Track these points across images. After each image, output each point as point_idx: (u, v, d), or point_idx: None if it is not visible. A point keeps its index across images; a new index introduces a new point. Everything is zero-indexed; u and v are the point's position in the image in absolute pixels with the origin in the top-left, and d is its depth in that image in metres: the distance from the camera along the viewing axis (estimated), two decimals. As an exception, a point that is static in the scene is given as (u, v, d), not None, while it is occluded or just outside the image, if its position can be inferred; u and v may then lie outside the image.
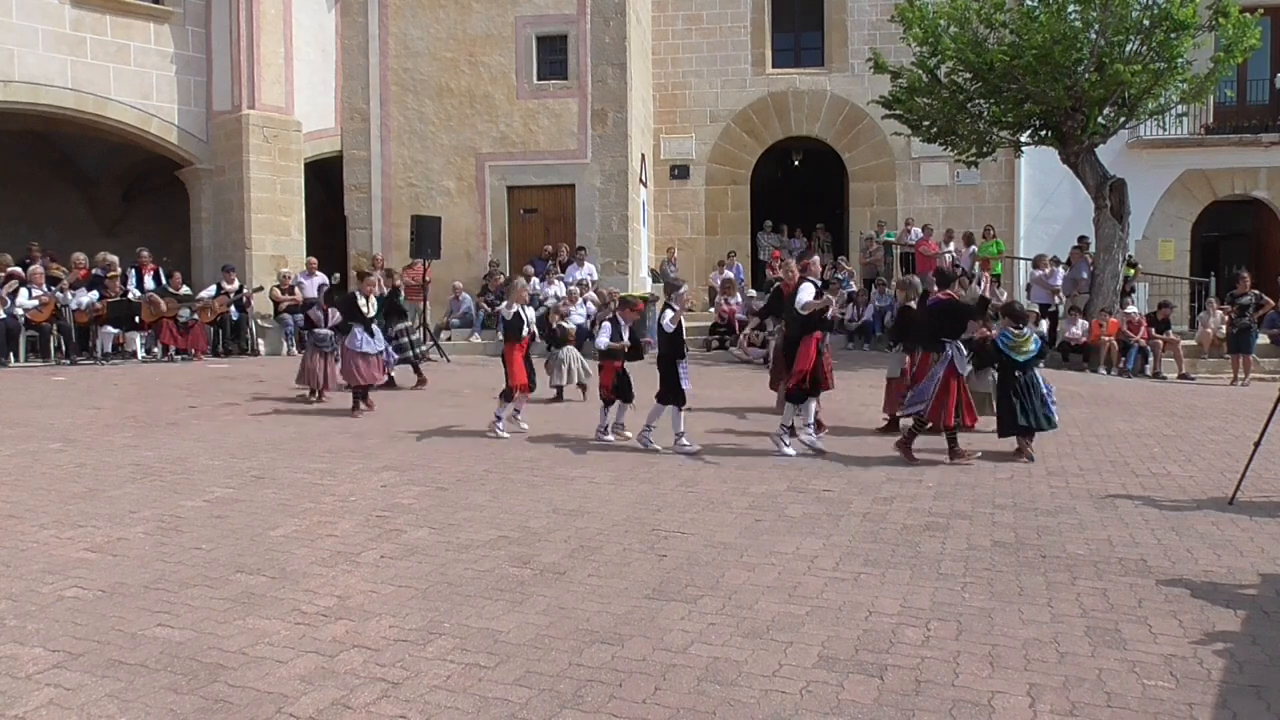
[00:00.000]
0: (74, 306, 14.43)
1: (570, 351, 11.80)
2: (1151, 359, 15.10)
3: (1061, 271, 17.01)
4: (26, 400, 10.77)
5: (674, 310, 8.48)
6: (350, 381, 10.39)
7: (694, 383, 8.67)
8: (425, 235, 16.19)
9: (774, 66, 21.47)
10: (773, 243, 21.02)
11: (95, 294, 14.65)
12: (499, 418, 8.98)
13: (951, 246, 18.35)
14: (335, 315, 10.90)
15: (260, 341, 16.43)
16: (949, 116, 16.08)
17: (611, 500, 6.55)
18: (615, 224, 18.60)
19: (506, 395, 9.07)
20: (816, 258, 9.08)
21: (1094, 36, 14.85)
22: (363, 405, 10.39)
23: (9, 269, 14.35)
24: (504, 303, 9.94)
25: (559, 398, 11.55)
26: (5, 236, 17.88)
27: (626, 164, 18.48)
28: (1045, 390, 8.22)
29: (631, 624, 4.27)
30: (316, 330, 11.03)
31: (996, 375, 8.54)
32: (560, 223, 18.86)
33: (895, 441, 8.14)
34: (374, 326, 10.62)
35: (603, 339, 8.81)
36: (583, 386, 11.64)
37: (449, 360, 15.45)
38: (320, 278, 17.02)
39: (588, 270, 17.59)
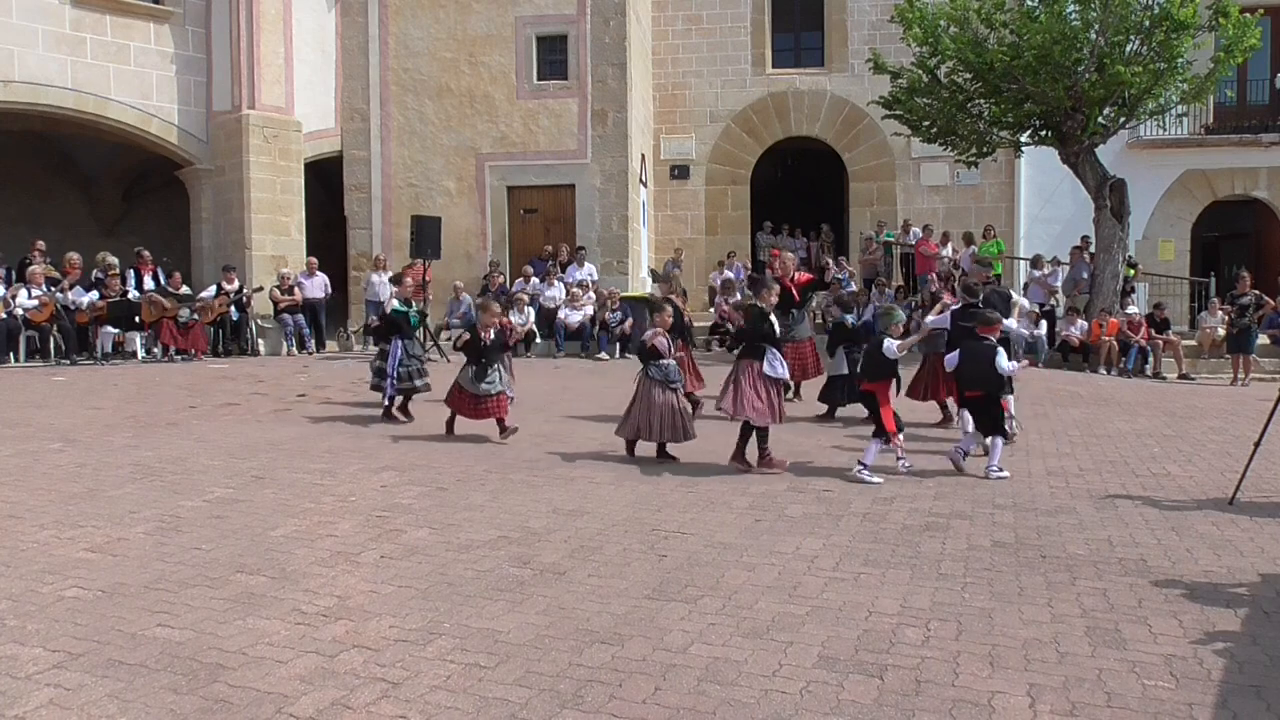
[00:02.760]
0: (75, 306, 14.44)
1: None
2: (1151, 359, 15.10)
3: (1061, 272, 17.03)
4: (26, 400, 10.76)
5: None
6: (765, 421, 7.55)
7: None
8: (425, 235, 16.20)
9: (774, 67, 21.49)
10: (771, 243, 21.03)
11: (95, 294, 14.65)
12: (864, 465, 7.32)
13: (950, 248, 18.34)
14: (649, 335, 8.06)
15: (260, 342, 16.43)
16: (949, 116, 16.08)
17: (611, 500, 6.55)
18: (615, 224, 18.61)
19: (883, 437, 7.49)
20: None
21: (1094, 36, 14.85)
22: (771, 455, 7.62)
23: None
24: (888, 340, 7.73)
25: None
26: (5, 236, 17.87)
27: (626, 164, 18.49)
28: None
29: (631, 624, 4.27)
30: (663, 361, 7.92)
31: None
32: (560, 223, 18.88)
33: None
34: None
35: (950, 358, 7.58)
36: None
37: (449, 361, 15.43)
38: (321, 278, 17.05)
39: (588, 270, 17.59)
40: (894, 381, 7.84)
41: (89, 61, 16.15)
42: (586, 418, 9.98)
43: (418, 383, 9.75)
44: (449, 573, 4.98)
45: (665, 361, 7.88)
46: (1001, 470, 7.37)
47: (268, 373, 13.58)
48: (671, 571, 5.01)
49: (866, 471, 7.18)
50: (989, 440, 7.55)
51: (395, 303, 9.97)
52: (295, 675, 3.73)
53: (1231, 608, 4.50)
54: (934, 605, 4.52)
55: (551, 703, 3.50)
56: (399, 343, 9.70)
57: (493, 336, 8.85)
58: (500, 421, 8.69)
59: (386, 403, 9.74)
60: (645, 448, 7.98)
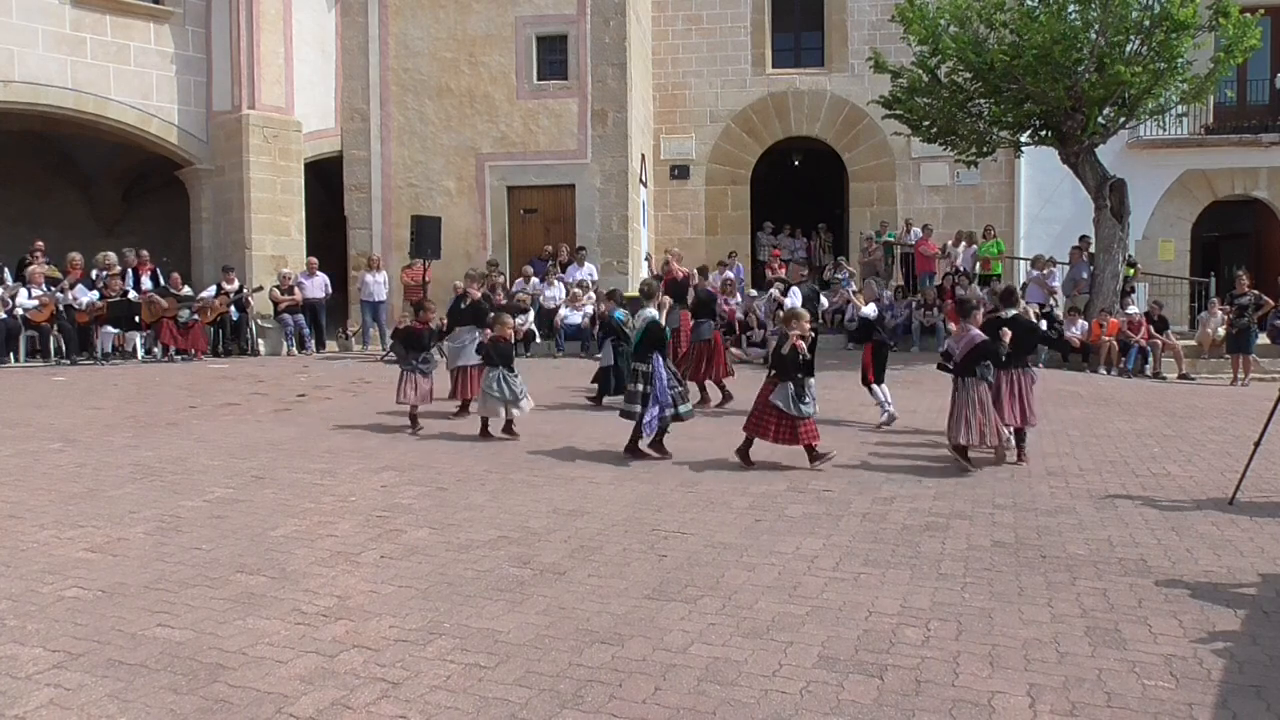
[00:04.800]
0: (75, 306, 14.44)
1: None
2: (1151, 359, 15.09)
3: (1060, 271, 17.02)
4: (26, 400, 10.76)
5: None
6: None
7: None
8: (425, 235, 16.20)
9: (774, 66, 21.48)
10: (772, 243, 21.05)
11: (95, 294, 14.66)
12: None
13: (960, 247, 18.31)
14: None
15: (260, 342, 16.44)
16: (949, 116, 16.07)
17: (611, 500, 6.55)
18: (615, 224, 18.62)
19: None
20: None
21: (1094, 36, 14.84)
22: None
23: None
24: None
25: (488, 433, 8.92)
26: (5, 236, 17.89)
27: (626, 164, 18.49)
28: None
29: (631, 624, 4.27)
30: (988, 363, 7.64)
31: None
32: (560, 223, 18.88)
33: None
34: None
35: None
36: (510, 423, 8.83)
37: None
38: (321, 278, 17.04)
39: (588, 270, 17.59)
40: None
41: (89, 61, 16.14)
42: (587, 417, 9.99)
43: (679, 410, 8.02)
44: (449, 573, 4.98)
45: (988, 363, 7.69)
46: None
47: (268, 373, 13.58)
48: (671, 571, 5.01)
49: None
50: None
51: (619, 312, 8.23)
52: (295, 675, 3.73)
53: (1231, 608, 4.50)
54: (934, 605, 4.52)
55: (551, 703, 3.51)
56: (659, 359, 7.95)
57: (804, 346, 7.82)
58: (812, 448, 7.66)
59: (648, 435, 7.91)
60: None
